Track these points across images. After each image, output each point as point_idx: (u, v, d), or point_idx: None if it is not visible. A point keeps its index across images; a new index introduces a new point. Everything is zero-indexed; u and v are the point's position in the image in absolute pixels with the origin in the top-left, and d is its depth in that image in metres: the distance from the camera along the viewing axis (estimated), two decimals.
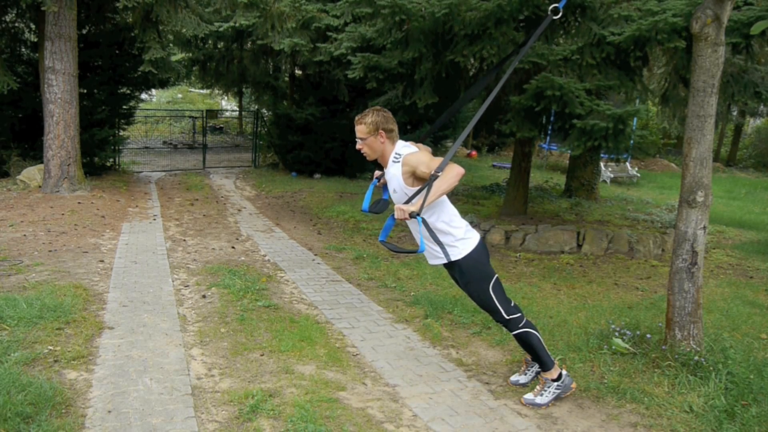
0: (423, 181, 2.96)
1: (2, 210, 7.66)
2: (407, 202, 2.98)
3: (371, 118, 3.05)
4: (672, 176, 18.04)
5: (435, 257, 3.19)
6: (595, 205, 10.44)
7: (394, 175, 3.07)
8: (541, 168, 16.93)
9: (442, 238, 3.09)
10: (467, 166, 16.51)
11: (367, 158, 3.17)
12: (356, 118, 3.11)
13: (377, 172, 3.41)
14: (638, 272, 6.50)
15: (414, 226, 3.14)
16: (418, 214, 2.83)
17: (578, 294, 5.49)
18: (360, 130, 3.08)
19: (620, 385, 3.39)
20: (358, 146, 3.13)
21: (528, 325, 3.19)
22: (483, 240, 3.21)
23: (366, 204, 3.31)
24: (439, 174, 2.87)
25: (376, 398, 3.24)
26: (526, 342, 3.19)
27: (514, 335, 3.21)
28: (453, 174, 2.87)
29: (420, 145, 3.33)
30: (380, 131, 3.05)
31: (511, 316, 3.15)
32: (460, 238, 3.11)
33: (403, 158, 3.01)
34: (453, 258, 3.10)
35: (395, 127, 3.11)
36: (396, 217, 2.88)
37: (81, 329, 3.91)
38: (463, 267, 3.12)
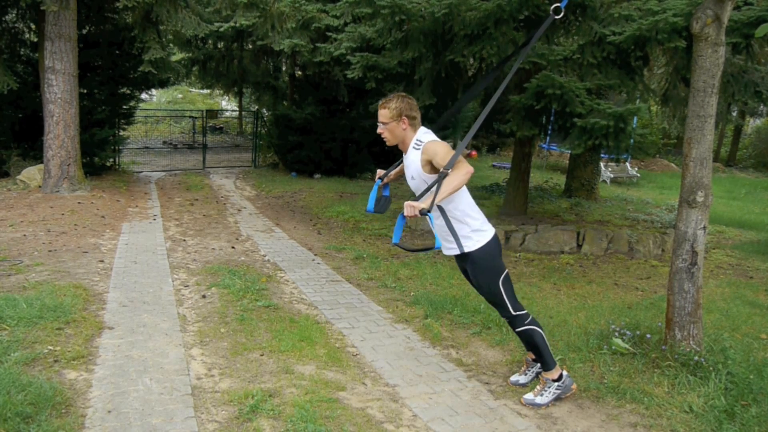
0: (438, 171, 2.95)
1: (2, 210, 7.66)
2: (421, 195, 2.97)
3: (395, 103, 3.04)
4: (672, 176, 18.04)
5: (448, 248, 3.19)
6: (595, 205, 10.44)
7: (413, 161, 3.06)
8: (541, 168, 16.93)
9: (457, 228, 3.08)
10: None
11: (387, 143, 3.16)
12: (380, 102, 3.10)
13: (379, 172, 3.40)
14: (638, 272, 6.50)
15: (437, 221, 3.13)
16: (429, 211, 2.81)
17: (578, 294, 5.49)
18: (383, 114, 3.07)
19: (620, 386, 3.39)
20: (379, 130, 3.12)
21: (533, 322, 3.20)
22: (497, 234, 3.20)
23: (371, 204, 3.30)
24: (449, 171, 2.87)
25: (376, 398, 3.24)
26: (530, 340, 3.19)
27: (519, 332, 3.21)
28: (463, 172, 2.87)
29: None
30: (403, 117, 3.05)
31: (517, 313, 3.16)
32: (476, 229, 3.10)
33: (424, 145, 3.01)
34: (466, 250, 3.10)
35: (418, 115, 3.11)
36: (405, 214, 2.86)
37: (81, 329, 3.91)
38: (475, 259, 3.11)
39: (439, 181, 2.85)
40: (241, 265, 5.82)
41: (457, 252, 3.14)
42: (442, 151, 2.95)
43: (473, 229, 3.09)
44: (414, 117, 3.08)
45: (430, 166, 3.00)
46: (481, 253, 3.09)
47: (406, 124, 3.07)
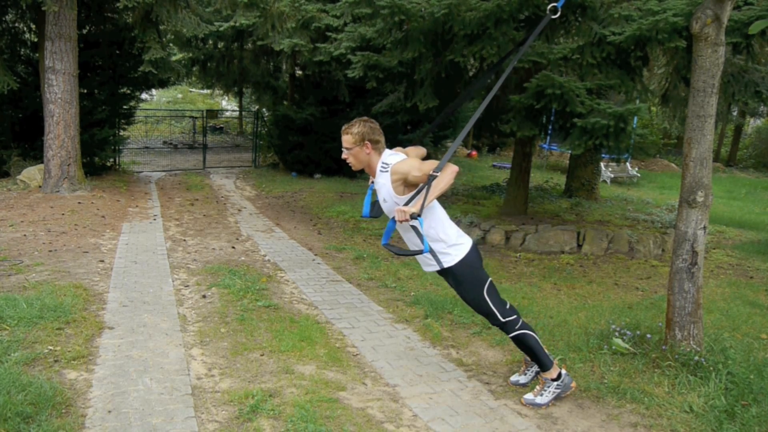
0: (415, 187, 2.95)
1: (2, 210, 7.66)
2: (409, 200, 2.98)
3: (357, 128, 3.03)
4: (672, 176, 18.05)
5: (428, 264, 3.19)
6: (595, 205, 10.44)
7: (383, 184, 3.05)
8: (541, 168, 16.93)
9: (433, 245, 3.07)
10: (467, 166, 16.53)
11: (353, 168, 3.16)
12: (343, 128, 3.10)
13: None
14: (638, 272, 6.50)
15: (407, 234, 3.15)
16: (419, 215, 2.83)
17: (578, 294, 5.49)
18: (346, 140, 3.07)
19: (620, 385, 3.39)
20: (343, 156, 3.12)
21: (524, 326, 3.18)
22: (475, 244, 3.19)
23: (366, 209, 3.31)
24: (438, 174, 2.87)
25: (376, 398, 3.24)
26: (524, 344, 3.19)
27: (511, 338, 3.20)
28: (449, 172, 2.89)
29: (410, 148, 3.32)
30: (366, 142, 3.04)
31: (506, 319, 3.14)
32: (452, 244, 3.09)
33: (391, 167, 2.99)
34: (446, 265, 3.10)
35: (382, 139, 3.10)
36: (397, 219, 2.88)
37: (81, 329, 3.91)
38: (456, 273, 3.11)
39: (428, 184, 2.85)
40: (242, 265, 5.82)
41: (437, 268, 3.14)
42: (417, 163, 2.96)
43: (449, 244, 3.09)
44: (377, 141, 3.07)
45: (404, 186, 2.98)
46: (462, 266, 3.09)
47: (369, 149, 3.05)
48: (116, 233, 7.00)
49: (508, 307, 3.18)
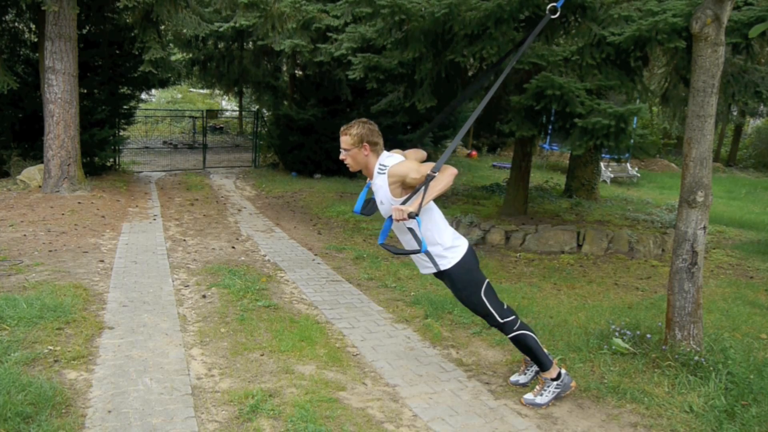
0: (412, 189, 2.95)
1: (2, 210, 7.66)
2: (407, 199, 2.97)
3: (356, 129, 3.03)
4: (672, 176, 18.05)
5: (424, 266, 3.19)
6: (595, 205, 10.44)
7: (380, 186, 3.05)
8: (541, 168, 16.93)
9: (430, 249, 3.06)
10: (467, 166, 16.53)
11: (350, 169, 3.16)
12: (341, 129, 3.10)
13: None
14: (638, 272, 6.50)
15: (403, 236, 3.15)
16: (417, 215, 2.83)
17: (578, 294, 5.49)
18: (344, 141, 3.06)
19: (620, 385, 3.39)
20: (341, 157, 3.12)
21: (523, 327, 3.18)
22: (471, 246, 3.20)
23: (358, 205, 3.32)
24: (436, 174, 2.87)
25: (376, 398, 3.24)
26: (523, 344, 3.19)
27: (510, 338, 3.20)
28: (448, 174, 2.89)
29: (409, 151, 3.31)
30: (364, 144, 3.03)
31: (505, 320, 3.14)
32: (448, 246, 3.09)
33: (389, 169, 2.98)
34: (442, 268, 3.10)
35: (380, 141, 3.10)
36: (394, 218, 2.88)
37: (81, 329, 3.91)
38: (453, 276, 3.11)
39: (426, 184, 2.85)
40: (241, 265, 5.82)
41: (434, 270, 3.14)
42: (414, 165, 2.96)
43: (446, 247, 3.08)
44: (376, 143, 3.06)
45: (402, 189, 2.98)
46: (458, 268, 3.08)
47: (368, 150, 3.05)
48: (116, 233, 7.00)
49: (505, 307, 3.18)
